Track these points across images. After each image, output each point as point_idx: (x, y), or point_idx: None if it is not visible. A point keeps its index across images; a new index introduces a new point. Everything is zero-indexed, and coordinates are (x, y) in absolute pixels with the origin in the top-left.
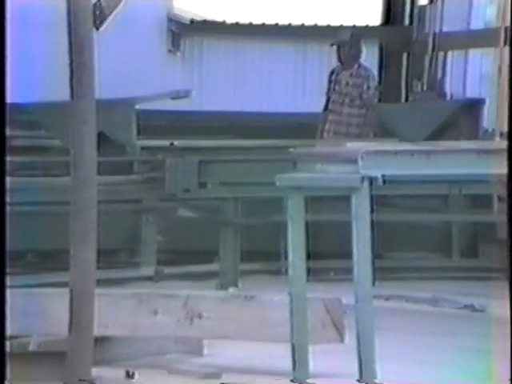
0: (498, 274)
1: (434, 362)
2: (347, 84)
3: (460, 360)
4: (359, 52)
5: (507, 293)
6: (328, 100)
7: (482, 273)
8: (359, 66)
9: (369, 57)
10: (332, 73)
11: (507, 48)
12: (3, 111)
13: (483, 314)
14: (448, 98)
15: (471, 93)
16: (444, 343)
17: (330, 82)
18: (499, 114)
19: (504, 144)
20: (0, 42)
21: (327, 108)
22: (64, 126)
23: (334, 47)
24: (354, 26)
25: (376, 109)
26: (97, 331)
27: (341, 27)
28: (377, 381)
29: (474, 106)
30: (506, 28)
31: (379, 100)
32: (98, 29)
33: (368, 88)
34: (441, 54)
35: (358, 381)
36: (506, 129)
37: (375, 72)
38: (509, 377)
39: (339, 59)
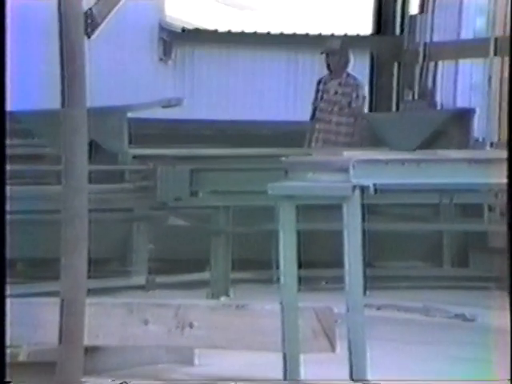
0: (489, 284)
1: (424, 372)
2: (336, 93)
3: (450, 370)
4: (348, 61)
5: (498, 302)
6: (315, 109)
7: (472, 282)
8: (348, 75)
9: (360, 66)
10: (319, 82)
11: (497, 58)
12: (3, 118)
13: (474, 324)
14: (438, 107)
15: (461, 102)
16: (435, 353)
17: (317, 91)
18: (489, 124)
19: (495, 153)
20: (0, 49)
21: (314, 117)
22: (56, 134)
23: (324, 55)
24: (343, 35)
25: (366, 118)
26: (87, 341)
27: (330, 36)
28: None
29: (464, 116)
30: (495, 38)
31: (370, 109)
32: (89, 37)
33: (357, 97)
34: (431, 63)
35: None
36: (496, 139)
37: (363, 81)
38: (509, 377)
39: (328, 68)
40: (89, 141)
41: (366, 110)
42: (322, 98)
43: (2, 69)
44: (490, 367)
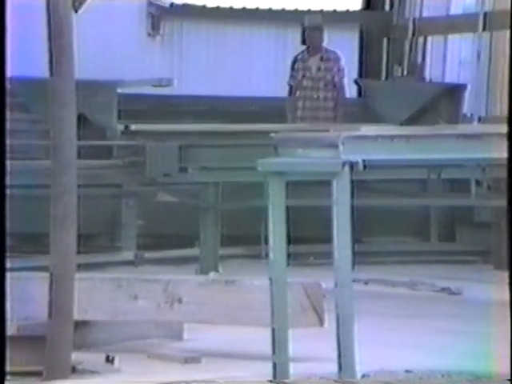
0: (475, 258)
1: (410, 345)
2: (319, 69)
3: (435, 342)
4: (324, 37)
5: (484, 276)
6: (291, 88)
7: (459, 256)
8: (325, 50)
9: (349, 42)
10: (295, 61)
11: (486, 33)
12: (3, 108)
13: (460, 297)
14: (427, 82)
15: (450, 78)
16: (421, 326)
17: (294, 69)
18: (478, 99)
19: (483, 128)
20: (0, 41)
21: (292, 95)
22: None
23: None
24: (321, 11)
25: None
26: (77, 315)
27: (310, 12)
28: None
29: (455, 91)
30: (484, 13)
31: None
32: (76, 11)
33: (339, 70)
34: (420, 39)
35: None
36: (484, 113)
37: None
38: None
39: (304, 43)
40: (78, 114)
41: (345, 81)
42: (303, 75)
43: (2, 68)
44: (474, 339)
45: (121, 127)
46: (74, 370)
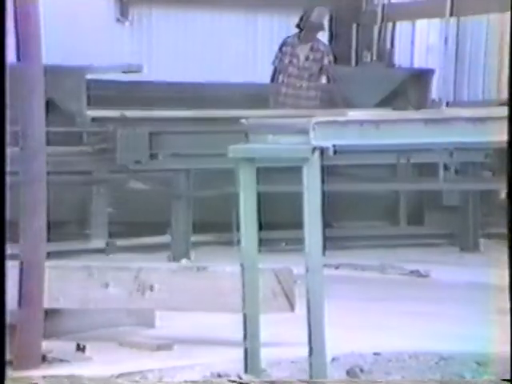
0: (443, 241)
1: (379, 327)
2: (307, 58)
3: (404, 324)
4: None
5: (451, 258)
6: (276, 71)
7: (427, 239)
8: (317, 40)
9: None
10: (284, 44)
11: (453, 19)
12: (3, 111)
13: (428, 279)
14: (396, 67)
15: (418, 63)
16: (390, 308)
17: (282, 53)
18: (445, 84)
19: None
20: (0, 39)
21: (274, 79)
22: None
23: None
24: (330, 6)
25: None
26: (47, 304)
27: (319, 6)
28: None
29: (423, 76)
30: None
31: None
32: None
33: (329, 62)
34: (389, 24)
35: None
36: (451, 98)
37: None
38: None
39: (299, 27)
40: (46, 100)
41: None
42: (290, 62)
43: (2, 67)
44: (441, 320)
45: (90, 113)
46: (44, 358)
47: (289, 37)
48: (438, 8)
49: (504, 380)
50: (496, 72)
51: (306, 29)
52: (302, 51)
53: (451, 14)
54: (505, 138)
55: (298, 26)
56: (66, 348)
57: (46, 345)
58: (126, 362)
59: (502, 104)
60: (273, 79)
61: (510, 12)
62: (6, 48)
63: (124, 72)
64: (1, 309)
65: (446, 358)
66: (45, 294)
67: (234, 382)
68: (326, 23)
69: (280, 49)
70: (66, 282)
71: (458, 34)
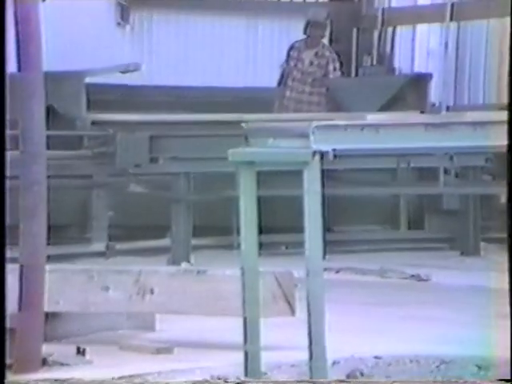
0: (443, 245)
1: (380, 331)
2: (311, 63)
3: (404, 328)
4: (326, 33)
5: (451, 262)
6: (283, 75)
7: (427, 243)
8: (323, 45)
9: None
10: (292, 47)
11: (453, 23)
12: (3, 110)
13: (428, 283)
14: (396, 72)
15: (419, 67)
16: (390, 312)
17: (289, 56)
18: (445, 88)
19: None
20: (0, 42)
21: (281, 82)
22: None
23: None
24: (327, 6)
25: (327, 83)
26: (48, 307)
27: (316, 5)
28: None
29: (421, 81)
30: (452, 4)
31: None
32: (44, 0)
33: (334, 69)
34: (389, 29)
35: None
36: (452, 103)
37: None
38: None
39: (305, 33)
40: (46, 106)
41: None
42: (295, 65)
43: (2, 68)
44: (442, 324)
45: (91, 117)
46: (44, 362)
47: (297, 41)
48: (439, 13)
49: (504, 380)
50: (496, 76)
51: (308, 32)
52: (307, 56)
53: (451, 19)
54: (505, 142)
55: (304, 31)
56: (67, 351)
57: (46, 348)
58: (126, 365)
59: (502, 108)
60: (280, 82)
61: (509, 17)
62: (5, 52)
63: (122, 72)
64: (1, 310)
65: (446, 362)
66: (45, 298)
67: (230, 382)
68: (327, 23)
69: (288, 53)
70: (66, 286)
71: (458, 39)
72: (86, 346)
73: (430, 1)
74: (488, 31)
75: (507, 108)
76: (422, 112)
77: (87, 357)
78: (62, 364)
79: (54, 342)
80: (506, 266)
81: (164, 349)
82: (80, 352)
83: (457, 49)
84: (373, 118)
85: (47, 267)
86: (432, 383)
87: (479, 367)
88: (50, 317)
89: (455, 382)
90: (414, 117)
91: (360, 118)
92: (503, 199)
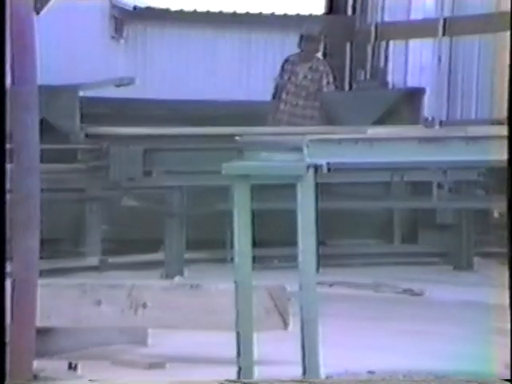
0: (437, 259)
1: (373, 346)
2: (305, 77)
3: (398, 342)
4: (320, 47)
5: (444, 277)
6: (277, 88)
7: (421, 258)
8: (317, 59)
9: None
10: (286, 61)
11: (446, 38)
12: (3, 109)
13: (421, 298)
14: (390, 86)
15: (412, 82)
16: (383, 327)
17: (283, 69)
18: (438, 103)
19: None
20: (0, 42)
21: (276, 96)
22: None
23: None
24: (322, 21)
25: (320, 98)
26: (39, 322)
27: (311, 19)
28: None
29: (414, 95)
30: (444, 19)
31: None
32: (38, 13)
33: (328, 83)
34: (383, 43)
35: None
36: (445, 117)
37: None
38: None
39: (299, 47)
40: (40, 119)
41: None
42: (289, 79)
43: (2, 69)
44: (435, 339)
45: (84, 130)
46: (35, 377)
47: (291, 55)
48: (431, 28)
49: (504, 380)
50: (489, 91)
51: (303, 46)
52: (302, 70)
53: (444, 34)
54: (497, 157)
55: (299, 45)
56: (58, 367)
57: (38, 364)
58: (117, 380)
59: (494, 123)
60: (274, 96)
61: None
62: (5, 47)
63: (116, 85)
64: (1, 314)
65: (439, 377)
66: (37, 312)
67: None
68: (321, 37)
69: (282, 66)
70: (58, 300)
71: (450, 54)
72: (77, 361)
73: (423, 16)
74: (480, 46)
75: (507, 120)
76: (427, 126)
77: (79, 372)
78: (53, 379)
79: (45, 357)
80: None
81: (156, 364)
82: (71, 367)
83: (449, 64)
84: (373, 132)
85: (40, 281)
86: (432, 383)
87: (470, 382)
88: (41, 332)
89: (455, 381)
90: (416, 131)
91: (361, 131)
92: (496, 214)
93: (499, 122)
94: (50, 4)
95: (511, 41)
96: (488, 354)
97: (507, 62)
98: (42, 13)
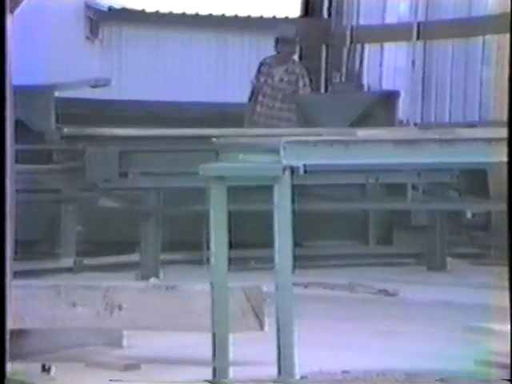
0: (411, 260)
1: (348, 346)
2: (281, 80)
3: (372, 342)
4: (296, 49)
5: (419, 277)
6: (253, 90)
7: (395, 259)
8: (293, 62)
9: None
10: (262, 64)
11: (420, 42)
12: (3, 109)
13: (396, 298)
14: (365, 89)
15: (387, 85)
16: (358, 327)
17: (259, 71)
18: (413, 106)
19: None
20: (1, 41)
21: (252, 98)
22: None
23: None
24: (297, 23)
25: (296, 100)
26: (13, 324)
27: (285, 22)
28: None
29: (389, 98)
30: (418, 23)
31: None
32: (12, 12)
33: (304, 85)
34: (358, 46)
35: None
36: (419, 120)
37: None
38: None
39: (276, 51)
40: (15, 120)
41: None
42: (265, 81)
43: (3, 69)
44: (409, 339)
45: (60, 131)
46: (7, 381)
47: (268, 57)
48: (406, 32)
49: (504, 380)
50: (462, 95)
51: (279, 48)
52: (277, 72)
53: (418, 38)
54: (471, 159)
55: (275, 47)
56: (32, 369)
57: (11, 366)
58: (91, 382)
59: (468, 126)
60: (250, 98)
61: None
62: (6, 46)
63: (92, 86)
64: (1, 311)
65: (411, 375)
66: (10, 314)
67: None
68: (296, 39)
69: (258, 69)
70: (32, 302)
71: (424, 58)
72: (52, 363)
73: (398, 20)
74: (453, 51)
75: (507, 123)
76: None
77: (52, 374)
78: (25, 382)
79: (19, 359)
80: (470, 281)
81: (131, 365)
82: (45, 369)
83: (423, 67)
84: (363, 134)
85: (14, 283)
86: (432, 383)
87: (443, 380)
88: (14, 334)
89: (455, 381)
90: (406, 132)
91: (350, 133)
92: (469, 215)
93: (472, 125)
94: (23, 4)
95: (511, 41)
96: (459, 352)
97: (478, 66)
98: (15, 13)
